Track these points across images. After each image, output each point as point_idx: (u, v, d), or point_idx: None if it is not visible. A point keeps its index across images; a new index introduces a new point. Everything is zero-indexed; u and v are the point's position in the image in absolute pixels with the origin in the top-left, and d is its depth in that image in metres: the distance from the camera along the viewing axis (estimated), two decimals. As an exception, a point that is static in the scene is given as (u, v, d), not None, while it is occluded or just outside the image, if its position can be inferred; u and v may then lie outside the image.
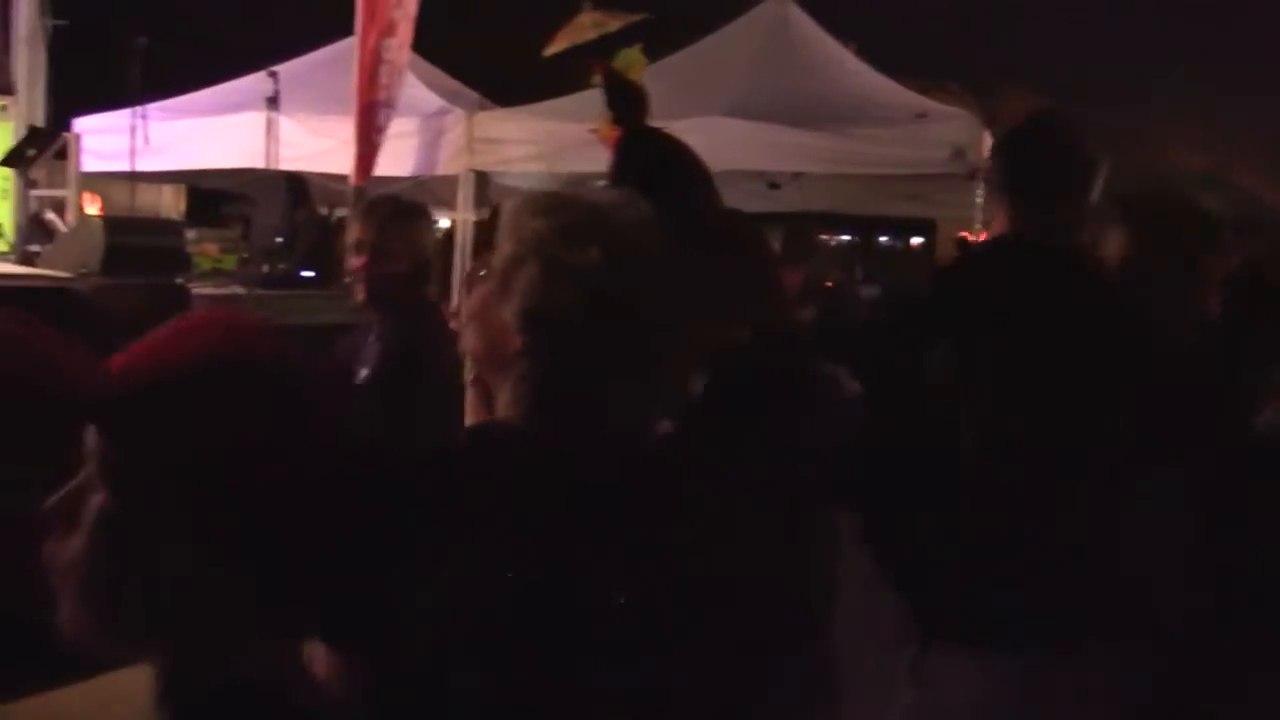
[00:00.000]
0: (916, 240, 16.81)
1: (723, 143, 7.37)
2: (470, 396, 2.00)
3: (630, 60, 6.00)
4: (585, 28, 8.56)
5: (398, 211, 3.94)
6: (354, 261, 3.83)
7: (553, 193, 1.74)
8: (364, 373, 3.71)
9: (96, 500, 1.08)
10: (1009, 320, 2.56)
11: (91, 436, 1.09)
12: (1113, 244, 2.86)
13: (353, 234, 3.87)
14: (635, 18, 8.31)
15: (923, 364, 2.56)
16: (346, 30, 9.48)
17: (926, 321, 2.66)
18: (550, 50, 8.83)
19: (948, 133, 8.42)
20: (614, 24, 8.40)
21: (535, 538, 1.50)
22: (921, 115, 8.67)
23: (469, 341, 1.76)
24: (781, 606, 1.79)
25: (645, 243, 1.63)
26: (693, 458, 1.74)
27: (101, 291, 4.04)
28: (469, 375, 1.99)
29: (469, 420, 1.98)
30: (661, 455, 1.67)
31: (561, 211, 1.64)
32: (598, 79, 4.48)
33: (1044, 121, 2.88)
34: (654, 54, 7.77)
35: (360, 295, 3.84)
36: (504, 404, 1.66)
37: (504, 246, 1.66)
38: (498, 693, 1.47)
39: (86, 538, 1.08)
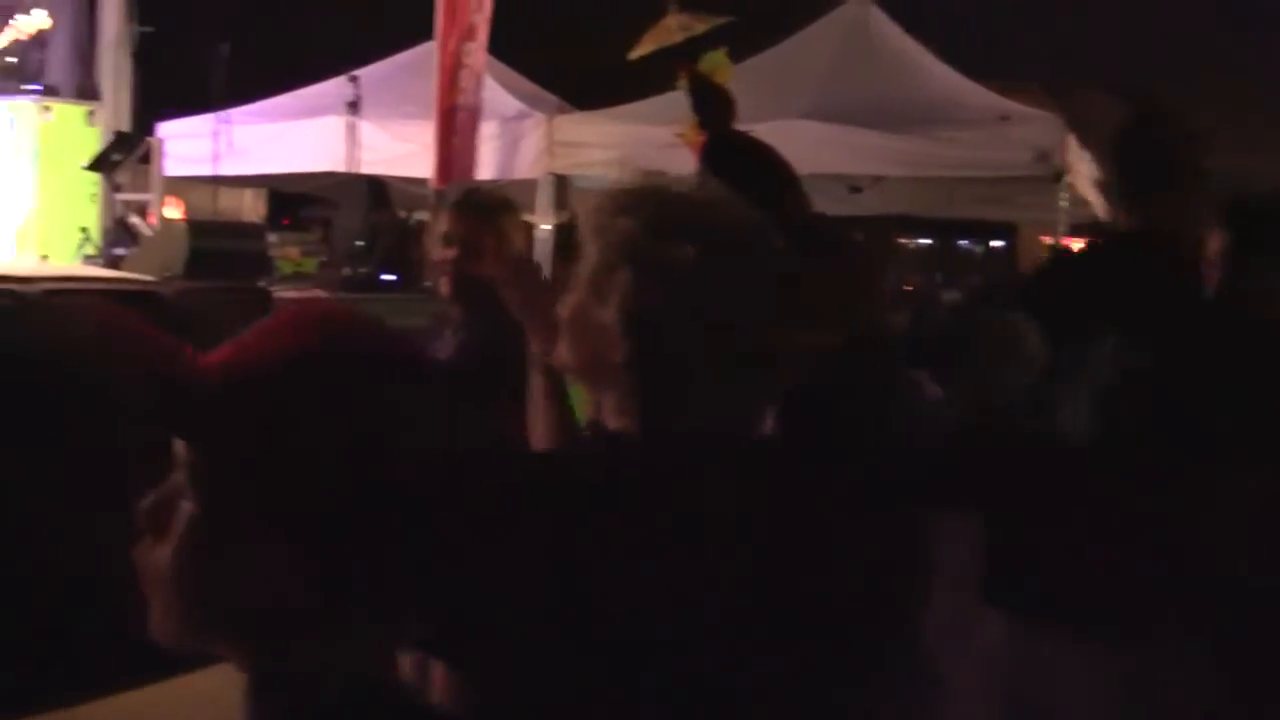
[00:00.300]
0: (996, 243, 16.62)
1: (803, 146, 7.31)
2: (538, 387, 1.96)
3: (716, 63, 5.93)
4: (671, 30, 8.52)
5: (489, 206, 3.90)
6: (442, 255, 3.77)
7: (636, 187, 1.64)
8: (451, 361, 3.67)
9: (186, 507, 1.06)
10: (1126, 315, 2.53)
11: (181, 441, 1.07)
12: (1215, 243, 2.81)
13: (441, 227, 3.81)
14: (721, 20, 8.25)
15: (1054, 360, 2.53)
16: (426, 35, 9.53)
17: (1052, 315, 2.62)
18: (636, 53, 8.80)
19: (1031, 135, 8.34)
20: (700, 26, 8.35)
21: (666, 544, 1.46)
22: (1004, 118, 8.59)
23: (564, 353, 1.70)
24: (881, 602, 1.76)
25: (742, 238, 1.58)
26: (798, 458, 1.69)
27: (185, 295, 4.06)
28: (539, 365, 1.96)
29: (537, 411, 1.95)
30: (770, 455, 1.63)
31: (649, 207, 1.58)
32: (683, 82, 4.43)
33: (1154, 117, 2.84)
34: (733, 56, 7.72)
35: (445, 289, 3.80)
36: (610, 411, 1.60)
37: (590, 249, 1.59)
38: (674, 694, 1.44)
39: (177, 544, 1.06)
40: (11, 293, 3.48)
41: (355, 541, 1.06)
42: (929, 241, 16.55)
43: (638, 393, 1.55)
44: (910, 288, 8.75)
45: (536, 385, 1.98)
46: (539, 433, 2.05)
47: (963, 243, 17.22)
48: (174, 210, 10.48)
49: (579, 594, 1.43)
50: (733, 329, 1.54)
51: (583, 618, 1.42)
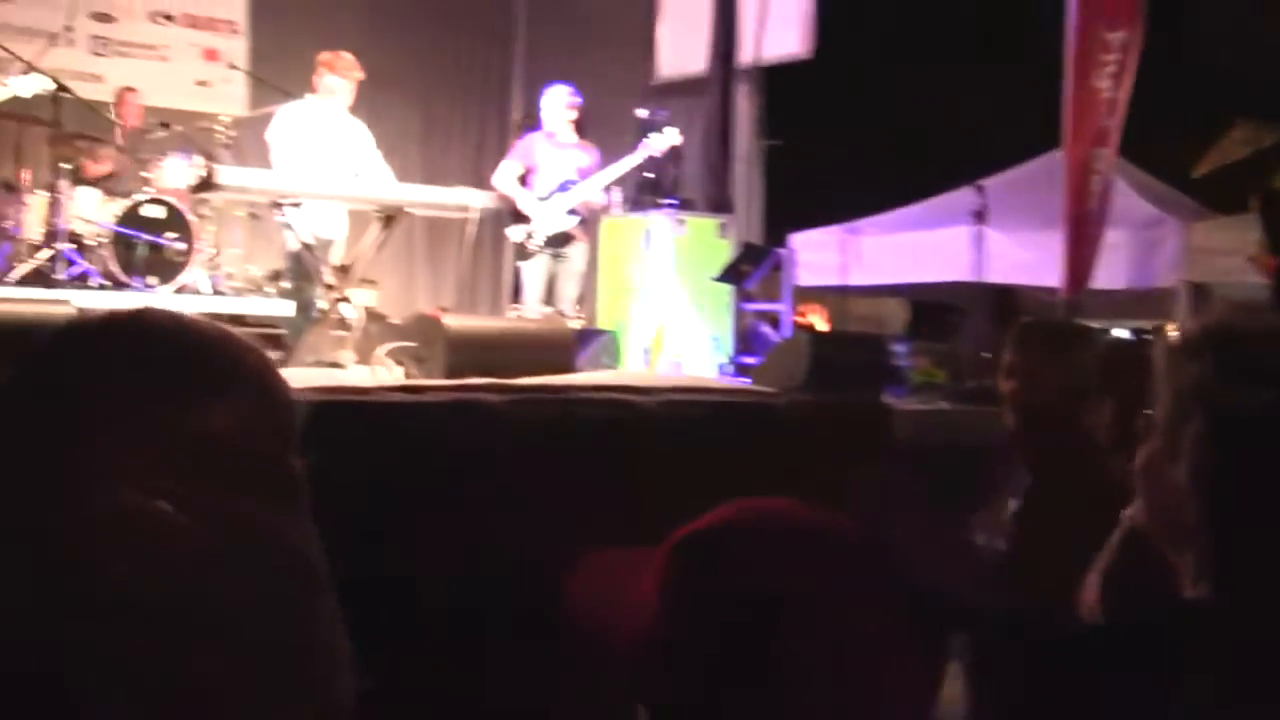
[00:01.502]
0: None
1: None
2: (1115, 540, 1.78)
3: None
4: (1236, 144, 7.89)
5: (1051, 335, 3.75)
6: (1003, 386, 3.67)
7: (1215, 323, 1.42)
8: (1012, 504, 3.51)
9: None
10: None
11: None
12: None
13: (1005, 357, 3.71)
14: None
15: None
16: (1052, 143, 9.33)
17: None
18: (1200, 170, 8.24)
19: None
20: (1269, 139, 7.68)
21: None
22: None
23: (1136, 509, 1.51)
24: None
25: None
26: None
27: (797, 407, 4.02)
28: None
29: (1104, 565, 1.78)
30: None
31: (1225, 349, 1.36)
32: (1255, 204, 4.02)
33: None
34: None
35: (1009, 422, 3.68)
36: (1187, 581, 1.39)
37: (1163, 393, 1.40)
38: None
39: None
40: (629, 403, 3.55)
41: None
42: None
43: (1212, 559, 1.34)
44: None
45: (1114, 538, 1.79)
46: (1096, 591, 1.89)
47: None
48: (818, 319, 10.72)
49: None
50: None
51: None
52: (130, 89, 10.96)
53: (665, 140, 9.38)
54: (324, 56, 8.34)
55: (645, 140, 9.36)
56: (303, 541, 1.08)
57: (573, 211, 9.29)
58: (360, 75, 8.32)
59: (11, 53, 7.83)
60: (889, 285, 10.78)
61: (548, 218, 9.27)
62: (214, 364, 1.13)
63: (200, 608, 0.93)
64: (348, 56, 8.30)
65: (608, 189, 9.85)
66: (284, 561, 1.04)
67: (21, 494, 1.01)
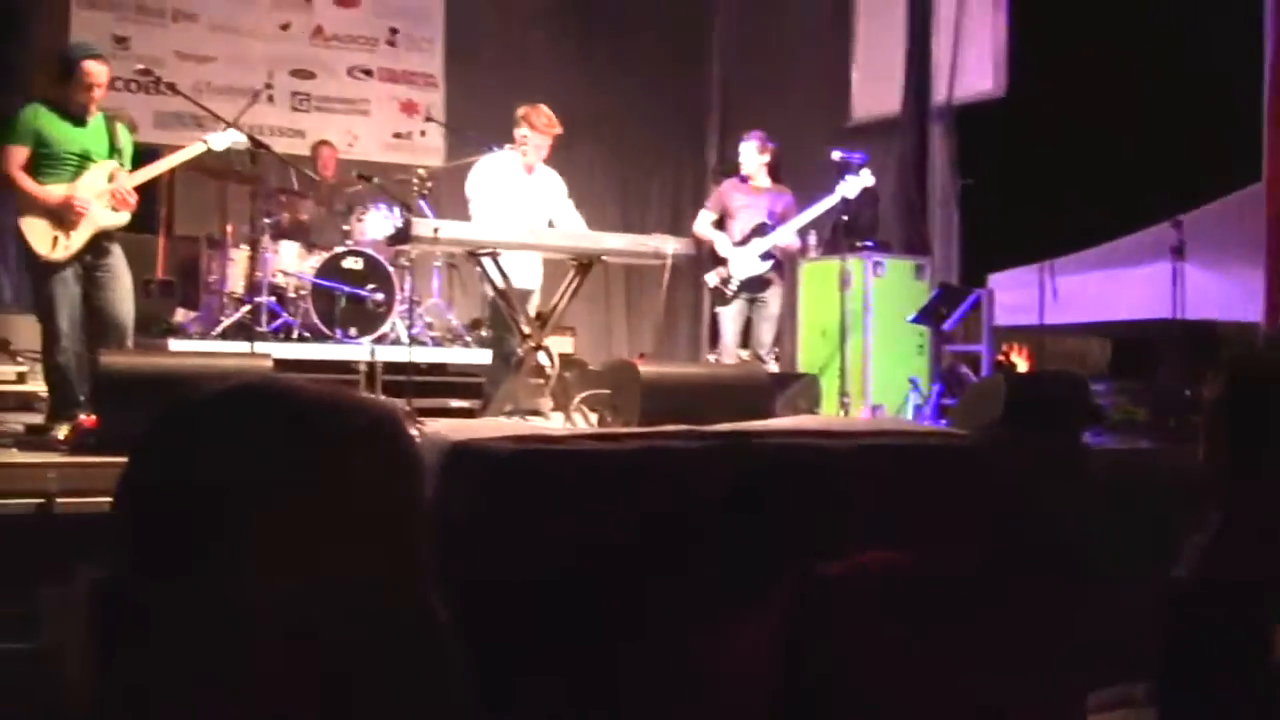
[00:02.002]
0: None
1: None
2: None
3: None
4: None
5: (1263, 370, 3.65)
6: (1204, 423, 3.57)
7: None
8: (1211, 543, 3.42)
9: None
10: None
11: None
12: None
13: (1206, 394, 3.61)
14: None
15: None
16: (1251, 177, 9.12)
17: None
18: None
19: None
20: None
21: None
22: None
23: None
24: None
25: None
26: None
27: (992, 449, 4.00)
28: None
29: None
30: None
31: None
32: None
33: None
34: None
35: (1210, 459, 3.58)
36: None
37: None
38: None
39: None
40: (824, 449, 3.58)
41: None
42: None
43: None
44: None
45: None
46: None
47: None
48: (1020, 359, 10.57)
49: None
50: None
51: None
52: (327, 143, 11.37)
53: (860, 183, 9.40)
54: (522, 110, 8.53)
55: (841, 183, 9.39)
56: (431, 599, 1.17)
57: (768, 256, 9.36)
58: (557, 130, 8.49)
59: (211, 112, 8.21)
60: (1088, 323, 10.58)
61: (744, 263, 9.36)
62: (326, 428, 1.19)
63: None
64: (546, 111, 8.48)
65: (803, 233, 9.91)
66: (427, 624, 1.14)
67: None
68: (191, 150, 7.44)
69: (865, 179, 9.43)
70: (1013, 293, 10.58)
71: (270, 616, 1.08)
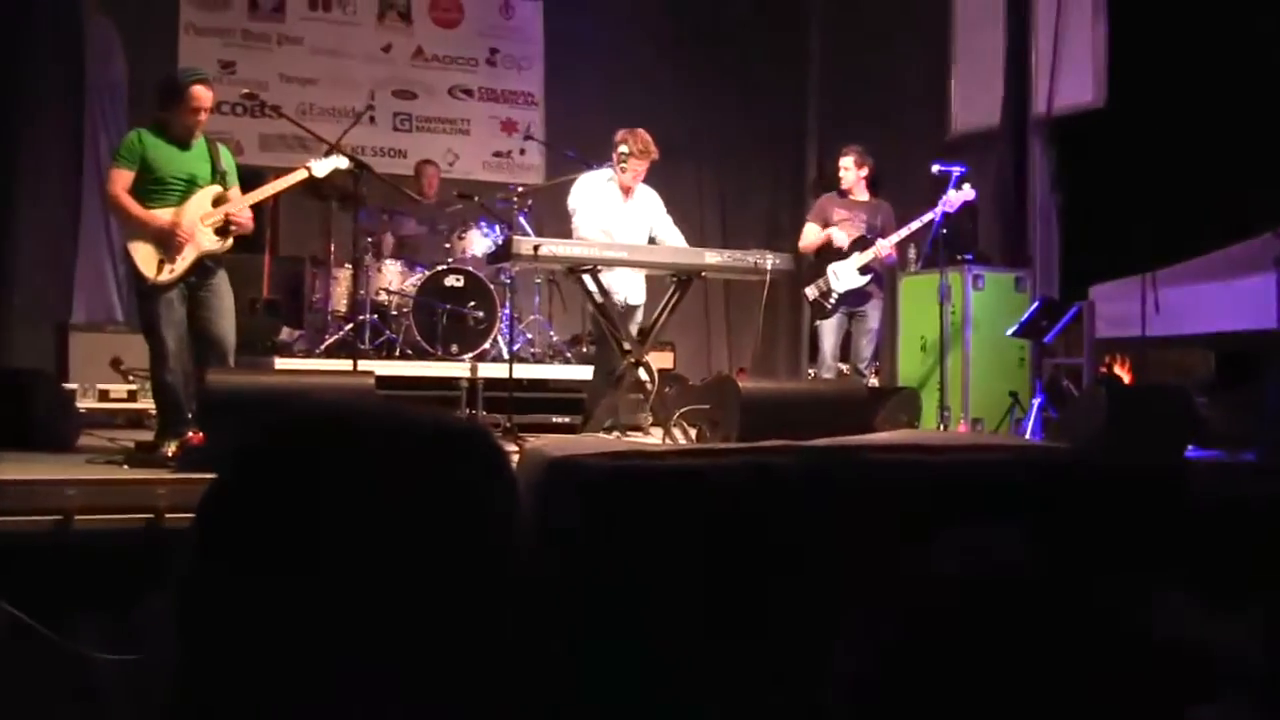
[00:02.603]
0: None
1: None
2: None
3: None
4: None
5: None
6: None
7: None
8: None
9: None
10: None
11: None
12: None
13: None
14: None
15: None
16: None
17: None
18: None
19: None
20: None
21: None
22: None
23: None
24: None
25: None
26: None
27: (1093, 464, 3.96)
28: None
29: None
30: None
31: None
32: None
33: None
34: None
35: None
36: None
37: None
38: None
39: None
40: (922, 463, 3.56)
41: None
42: None
43: None
44: None
45: None
46: None
47: None
48: (1123, 372, 10.44)
49: None
50: None
51: None
52: (430, 162, 11.50)
53: (959, 197, 9.35)
54: (621, 134, 8.58)
55: (941, 197, 9.35)
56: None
57: (866, 270, 9.33)
58: (654, 155, 8.52)
59: (314, 134, 8.33)
60: (1191, 334, 10.42)
61: (842, 277, 9.34)
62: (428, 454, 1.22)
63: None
64: (644, 135, 8.52)
65: (903, 247, 9.87)
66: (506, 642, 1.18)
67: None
68: (295, 176, 7.56)
69: (965, 193, 9.37)
70: (1114, 304, 10.44)
71: (356, 627, 1.11)
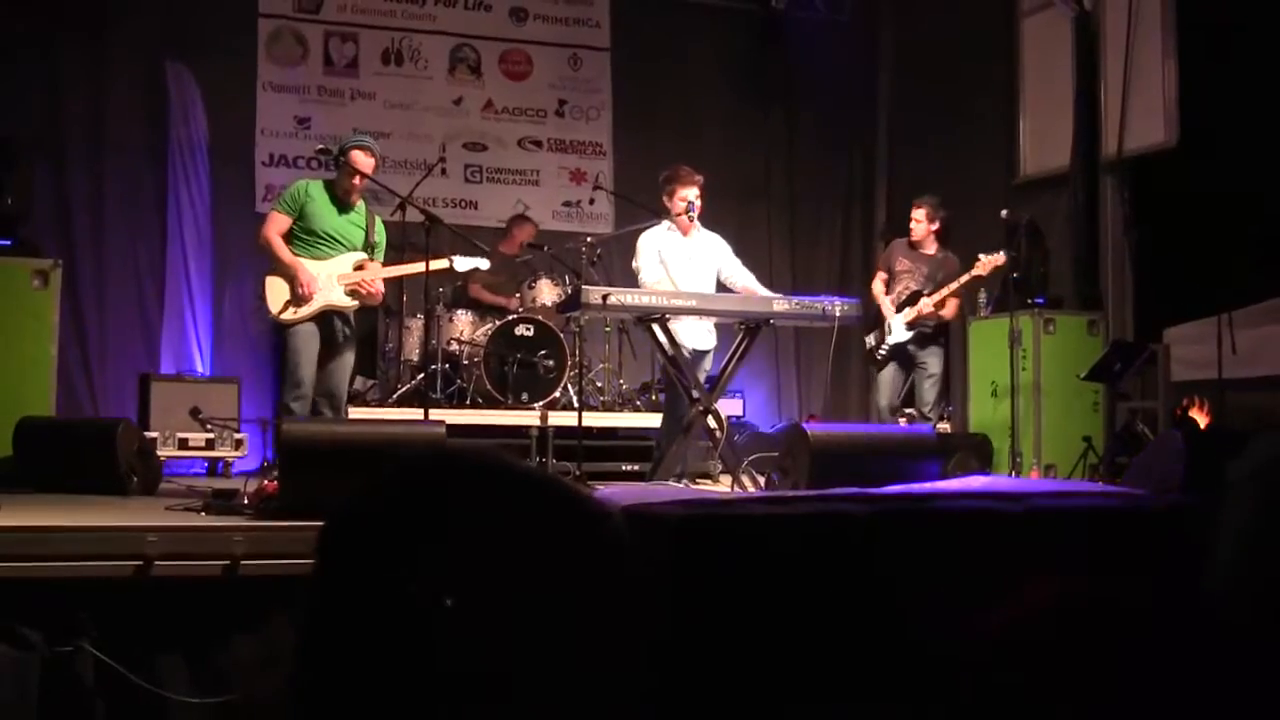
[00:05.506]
0: None
1: None
2: None
3: None
4: None
5: None
6: None
7: None
8: None
9: None
10: None
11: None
12: None
13: None
14: None
15: None
16: None
17: None
18: None
19: None
20: None
21: None
22: None
23: None
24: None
25: None
26: None
27: (1170, 512, 3.92)
28: None
29: None
30: None
31: None
32: None
33: None
34: None
35: None
36: None
37: None
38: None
39: None
40: (995, 511, 3.55)
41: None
42: None
43: None
44: None
45: None
46: None
47: None
48: (1200, 416, 10.33)
49: None
50: None
51: None
52: (525, 218, 11.61)
53: (990, 261, 9.34)
54: (664, 174, 8.63)
55: (980, 258, 9.36)
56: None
57: (913, 324, 9.40)
58: (700, 178, 8.50)
59: (387, 188, 8.44)
60: (1270, 376, 10.26)
61: (895, 330, 9.39)
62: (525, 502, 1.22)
63: None
64: (684, 167, 8.56)
65: (971, 292, 9.87)
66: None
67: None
68: (436, 264, 7.95)
69: (995, 258, 9.37)
70: (1190, 347, 10.32)
71: (464, 680, 1.12)
